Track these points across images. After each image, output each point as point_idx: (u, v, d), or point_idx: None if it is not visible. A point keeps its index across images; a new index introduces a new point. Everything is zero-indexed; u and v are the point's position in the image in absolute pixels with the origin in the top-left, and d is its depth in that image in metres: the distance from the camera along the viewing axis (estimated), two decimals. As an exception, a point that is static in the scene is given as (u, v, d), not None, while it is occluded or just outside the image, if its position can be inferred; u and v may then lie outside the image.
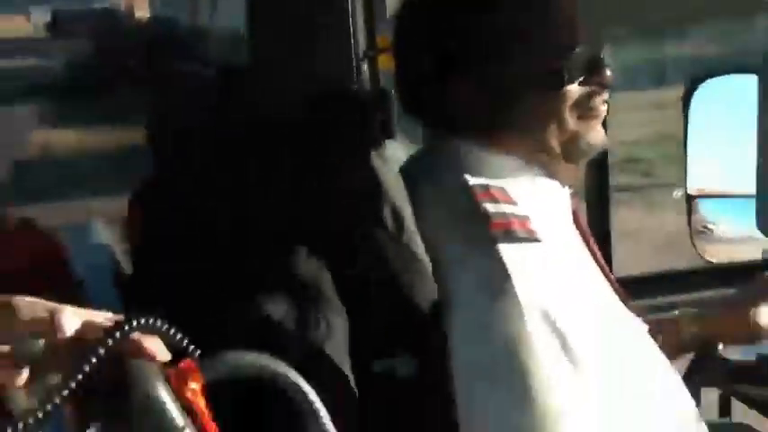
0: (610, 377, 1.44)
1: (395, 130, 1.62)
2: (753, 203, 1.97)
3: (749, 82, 2.01)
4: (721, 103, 2.19)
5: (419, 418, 1.43)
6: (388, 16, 2.14)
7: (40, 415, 1.05)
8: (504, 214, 1.43)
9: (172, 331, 1.13)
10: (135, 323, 1.09)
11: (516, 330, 1.37)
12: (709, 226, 2.23)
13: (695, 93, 2.19)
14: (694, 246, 2.23)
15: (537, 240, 1.43)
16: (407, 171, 1.53)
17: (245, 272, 1.39)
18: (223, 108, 1.58)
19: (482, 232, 1.42)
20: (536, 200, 1.49)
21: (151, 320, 1.10)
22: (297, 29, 1.76)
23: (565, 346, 1.38)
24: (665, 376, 1.59)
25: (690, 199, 2.22)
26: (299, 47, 1.73)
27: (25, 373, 1.09)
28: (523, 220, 1.44)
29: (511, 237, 1.41)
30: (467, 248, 1.43)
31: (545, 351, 1.37)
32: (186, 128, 1.58)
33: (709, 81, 2.23)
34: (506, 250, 1.39)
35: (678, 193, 2.22)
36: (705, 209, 2.24)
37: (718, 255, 2.31)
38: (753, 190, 1.97)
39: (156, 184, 1.57)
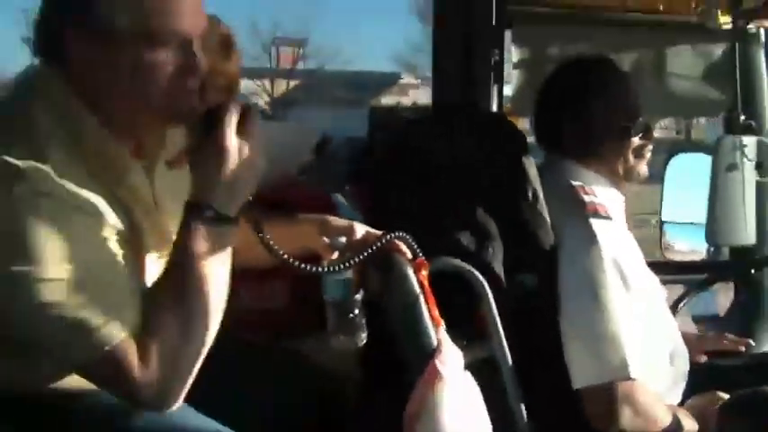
0: (647, 307, 1.89)
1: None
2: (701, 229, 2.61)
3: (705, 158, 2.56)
4: (687, 169, 2.75)
5: (538, 314, 1.86)
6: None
7: (339, 267, 1.50)
8: (592, 202, 1.90)
9: (412, 242, 1.57)
10: (394, 234, 1.55)
11: (597, 267, 1.82)
12: (671, 242, 2.87)
13: (670, 161, 2.78)
14: (662, 250, 2.78)
15: (611, 219, 1.90)
16: (539, 171, 1.95)
17: (454, 220, 1.84)
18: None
19: (580, 211, 1.89)
20: (608, 198, 1.96)
21: (402, 234, 1.57)
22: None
23: (624, 280, 1.83)
24: (671, 321, 2.06)
25: (661, 224, 2.80)
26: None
27: (335, 255, 1.59)
28: (603, 206, 1.91)
29: (597, 215, 1.88)
30: (571, 220, 1.88)
31: (613, 282, 1.81)
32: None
33: (679, 155, 2.84)
34: (594, 222, 1.86)
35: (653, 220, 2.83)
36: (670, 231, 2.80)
37: (674, 257, 2.84)
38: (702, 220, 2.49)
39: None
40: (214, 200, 1.31)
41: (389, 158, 2.02)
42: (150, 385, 1.27)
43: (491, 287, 1.70)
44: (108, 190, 1.35)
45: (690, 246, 2.75)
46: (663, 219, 2.74)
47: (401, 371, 1.54)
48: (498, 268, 1.82)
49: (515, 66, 2.67)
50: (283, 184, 2.17)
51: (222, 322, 1.37)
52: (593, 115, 1.97)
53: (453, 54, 2.38)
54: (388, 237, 1.57)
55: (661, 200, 2.71)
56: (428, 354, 1.50)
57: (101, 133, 1.36)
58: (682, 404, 1.98)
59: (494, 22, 2.42)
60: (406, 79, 36.53)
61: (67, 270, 1.24)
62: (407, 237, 1.58)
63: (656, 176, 2.60)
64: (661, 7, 2.65)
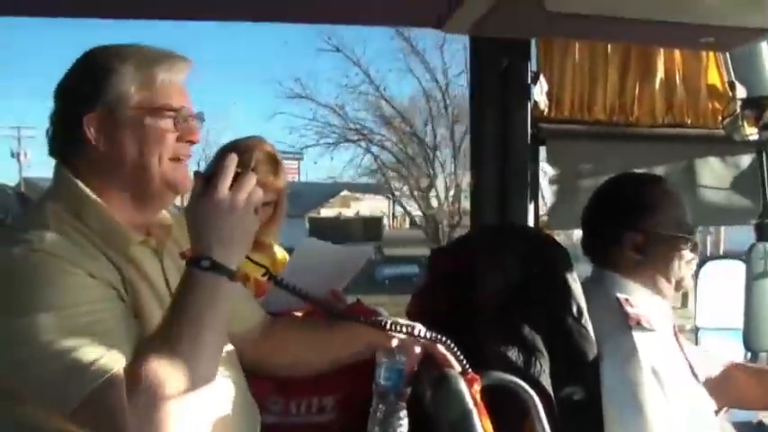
0: (687, 415, 1.90)
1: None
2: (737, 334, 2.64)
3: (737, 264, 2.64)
4: (719, 275, 2.77)
5: (586, 427, 1.87)
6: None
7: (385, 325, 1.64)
8: (636, 314, 1.95)
9: (460, 354, 1.65)
10: (445, 340, 1.64)
11: (638, 378, 1.87)
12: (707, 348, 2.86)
13: (703, 267, 2.78)
14: None
15: (653, 330, 1.95)
16: (585, 283, 2.02)
17: (502, 335, 1.89)
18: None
19: (623, 323, 1.94)
20: (653, 308, 2.01)
21: (451, 345, 1.65)
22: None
23: (664, 391, 1.86)
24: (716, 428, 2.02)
25: (696, 330, 2.82)
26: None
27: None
28: (646, 317, 1.96)
29: (639, 327, 1.93)
30: (614, 331, 1.93)
31: (652, 392, 1.85)
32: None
33: (711, 262, 2.86)
34: (636, 335, 1.92)
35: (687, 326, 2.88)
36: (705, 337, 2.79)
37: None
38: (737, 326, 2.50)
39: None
40: (211, 251, 1.38)
41: (439, 275, 2.08)
42: (136, 424, 1.28)
43: (540, 401, 1.74)
44: (113, 264, 1.46)
45: (726, 352, 2.76)
46: (698, 325, 2.77)
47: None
48: (546, 382, 1.86)
49: (550, 181, 2.74)
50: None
51: None
52: (646, 230, 2.05)
53: (491, 170, 2.47)
54: (440, 338, 1.67)
55: (695, 306, 2.75)
56: (482, 466, 1.51)
57: (108, 215, 1.50)
58: None
59: (528, 140, 2.51)
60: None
61: (60, 318, 1.31)
62: (455, 349, 1.66)
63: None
64: (689, 121, 2.74)
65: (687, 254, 2.07)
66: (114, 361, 1.31)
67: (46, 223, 1.43)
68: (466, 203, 21.20)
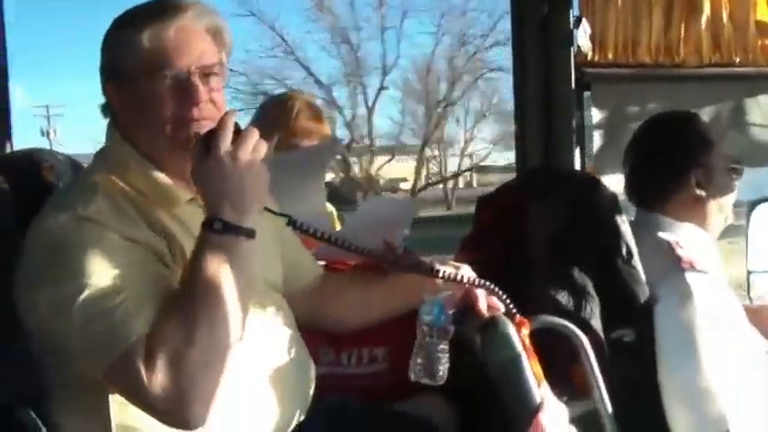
0: (742, 359, 1.90)
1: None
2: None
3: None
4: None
5: (636, 369, 1.87)
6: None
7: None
8: (688, 256, 1.94)
9: (507, 299, 1.64)
10: (493, 285, 1.62)
11: (693, 322, 1.85)
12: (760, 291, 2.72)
13: (754, 211, 2.72)
14: (750, 300, 2.69)
15: (706, 272, 1.93)
16: (635, 224, 2.01)
17: (552, 279, 1.88)
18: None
19: (676, 266, 1.92)
20: (703, 248, 2.01)
21: (498, 290, 1.63)
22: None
23: (720, 335, 1.85)
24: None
25: (748, 274, 2.74)
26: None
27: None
28: (699, 260, 1.94)
29: (692, 269, 1.91)
30: (667, 275, 1.92)
31: (709, 337, 1.84)
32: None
33: (763, 204, 2.75)
34: (690, 277, 1.90)
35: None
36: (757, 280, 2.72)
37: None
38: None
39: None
40: (222, 212, 1.38)
41: (487, 222, 2.07)
42: (160, 390, 1.28)
43: (590, 344, 1.73)
44: (159, 228, 1.47)
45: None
46: (749, 269, 2.71)
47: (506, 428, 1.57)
48: (597, 325, 1.85)
49: (596, 126, 2.70)
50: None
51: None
52: (708, 164, 2.06)
53: (535, 117, 2.46)
54: (487, 283, 1.65)
55: (746, 249, 2.69)
56: (532, 410, 1.54)
57: (153, 176, 1.51)
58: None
59: (573, 85, 2.49)
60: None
61: (99, 279, 1.33)
62: (503, 294, 1.64)
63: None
64: (737, 60, 2.68)
65: (735, 185, 2.10)
66: (141, 325, 1.31)
67: (94, 189, 1.45)
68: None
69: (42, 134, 32.32)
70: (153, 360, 1.28)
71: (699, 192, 2.05)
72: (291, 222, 1.52)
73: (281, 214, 1.53)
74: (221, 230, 1.37)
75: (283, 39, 23.16)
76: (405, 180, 31.94)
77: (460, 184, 33.16)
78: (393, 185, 31.60)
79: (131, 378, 1.29)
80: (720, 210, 2.08)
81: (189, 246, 1.45)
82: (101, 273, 1.34)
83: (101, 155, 1.56)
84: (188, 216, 1.51)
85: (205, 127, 1.46)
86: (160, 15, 1.49)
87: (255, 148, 1.42)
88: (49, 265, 1.36)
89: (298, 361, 1.67)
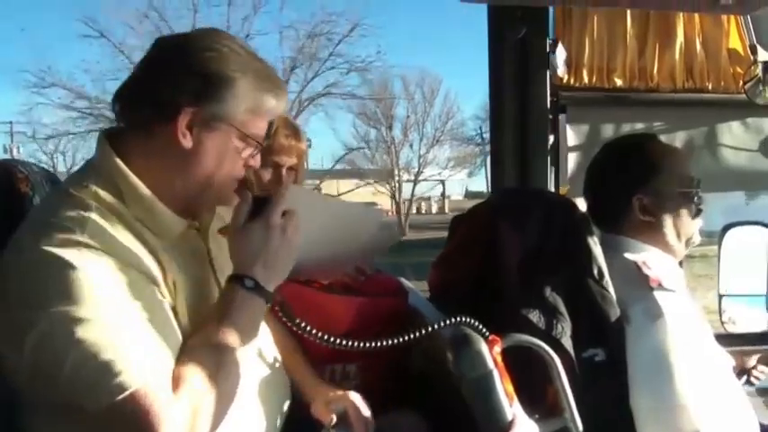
0: (716, 376, 1.90)
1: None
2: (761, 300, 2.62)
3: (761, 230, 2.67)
4: (742, 241, 2.74)
5: (608, 388, 1.85)
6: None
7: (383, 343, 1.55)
8: (655, 275, 1.94)
9: (478, 325, 1.62)
10: (459, 319, 1.61)
11: (665, 340, 1.84)
12: (731, 315, 2.80)
13: (726, 234, 2.76)
14: (722, 323, 2.75)
15: (674, 291, 1.93)
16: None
17: (525, 298, 1.87)
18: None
19: (644, 286, 1.92)
20: (668, 269, 2.01)
21: (466, 318, 1.61)
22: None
23: (692, 351, 1.85)
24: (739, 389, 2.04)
25: (720, 297, 2.77)
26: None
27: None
28: (666, 278, 1.94)
29: (661, 288, 1.92)
30: (636, 295, 1.91)
31: (681, 353, 1.83)
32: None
33: (734, 228, 2.80)
34: (659, 295, 1.90)
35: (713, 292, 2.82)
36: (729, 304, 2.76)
37: (735, 330, 2.79)
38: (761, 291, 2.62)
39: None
40: (256, 273, 1.43)
41: (459, 238, 2.08)
42: (175, 423, 1.27)
43: (562, 362, 1.73)
44: (155, 255, 1.43)
45: (751, 317, 2.75)
46: (721, 292, 2.75)
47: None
48: (568, 344, 1.85)
49: (571, 148, 2.71)
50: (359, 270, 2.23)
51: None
52: (653, 190, 2.06)
53: (511, 139, 2.47)
54: (454, 320, 1.63)
55: (718, 273, 2.73)
56: (503, 427, 1.55)
57: (152, 202, 1.48)
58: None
59: (548, 107, 2.50)
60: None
61: (101, 311, 1.28)
62: (472, 320, 1.64)
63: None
64: (710, 86, 2.72)
65: (694, 209, 2.08)
66: (141, 373, 1.28)
67: (87, 207, 1.39)
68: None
69: (5, 151, 32.00)
70: (178, 396, 1.29)
71: (644, 217, 2.06)
72: (278, 303, 1.54)
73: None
74: (252, 288, 1.43)
75: (130, 60, 22.85)
76: (375, 205, 32.14)
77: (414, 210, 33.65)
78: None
79: (151, 411, 1.26)
80: (679, 234, 2.08)
81: (179, 279, 1.46)
82: (106, 303, 1.31)
83: (92, 169, 1.49)
84: (178, 249, 1.50)
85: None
86: (279, 87, 1.55)
87: (297, 224, 1.48)
88: (46, 287, 1.30)
89: (276, 376, 1.72)
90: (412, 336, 1.59)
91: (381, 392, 2.10)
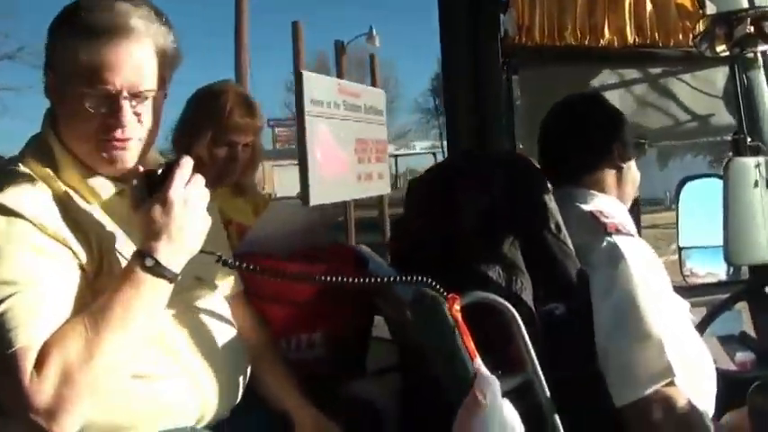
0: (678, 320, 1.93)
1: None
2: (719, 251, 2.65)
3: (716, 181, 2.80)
4: (699, 194, 2.83)
5: (569, 343, 1.87)
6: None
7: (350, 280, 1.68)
8: (612, 222, 1.98)
9: (434, 283, 1.64)
10: (415, 278, 1.65)
11: (629, 281, 1.85)
12: (691, 266, 2.93)
13: (683, 188, 2.85)
14: (682, 276, 2.84)
15: (632, 234, 1.97)
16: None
17: (482, 255, 1.88)
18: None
19: (602, 232, 1.95)
20: (623, 215, 2.06)
21: (423, 278, 1.64)
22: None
23: (656, 291, 1.87)
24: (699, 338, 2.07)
25: (680, 249, 2.87)
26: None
27: None
28: (623, 224, 1.99)
29: (619, 233, 1.95)
30: (595, 242, 1.94)
31: (646, 293, 1.85)
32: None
33: (691, 181, 2.88)
34: (618, 239, 1.92)
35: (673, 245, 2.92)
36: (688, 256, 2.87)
37: (695, 281, 2.91)
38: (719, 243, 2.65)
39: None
40: (158, 251, 1.42)
41: (416, 201, 2.08)
42: (40, 394, 1.30)
43: (522, 318, 1.74)
44: (81, 213, 1.49)
45: (710, 269, 2.79)
46: (681, 245, 2.78)
47: (442, 407, 1.59)
48: (528, 299, 1.85)
49: (524, 108, 2.72)
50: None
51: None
52: (625, 137, 2.16)
53: (464, 103, 2.47)
54: (410, 278, 1.67)
55: (677, 226, 2.76)
56: (466, 384, 1.56)
57: (71, 160, 1.52)
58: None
59: (501, 69, 2.49)
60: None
61: (7, 273, 1.35)
62: (428, 279, 1.66)
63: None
64: (660, 41, 2.73)
65: (632, 162, 2.19)
66: (19, 336, 1.32)
67: (19, 177, 1.47)
68: None
69: None
70: (46, 366, 1.31)
71: (620, 163, 2.14)
72: (221, 260, 1.59)
73: (211, 253, 1.57)
74: (152, 268, 1.41)
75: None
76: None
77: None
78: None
79: (16, 378, 1.30)
80: (633, 182, 2.17)
81: (111, 241, 1.51)
82: (9, 265, 1.36)
83: (32, 142, 1.57)
84: (113, 209, 1.55)
85: (131, 148, 1.52)
86: (104, 31, 1.48)
87: (200, 192, 1.47)
88: None
89: (232, 342, 1.73)
90: (371, 280, 1.69)
91: (347, 360, 2.11)
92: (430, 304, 1.61)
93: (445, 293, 1.64)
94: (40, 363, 1.30)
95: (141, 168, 1.51)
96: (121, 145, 1.50)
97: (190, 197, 1.44)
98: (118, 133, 1.49)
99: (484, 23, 2.51)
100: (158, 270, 1.40)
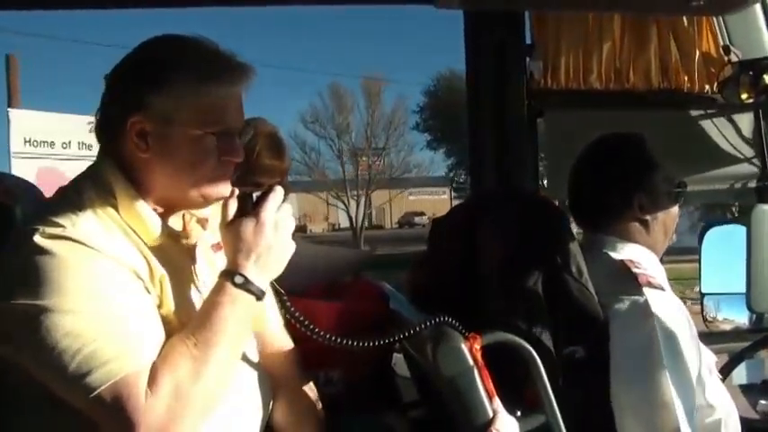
0: (700, 375, 1.92)
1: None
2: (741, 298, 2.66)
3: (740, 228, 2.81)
4: (722, 240, 2.78)
5: (587, 385, 1.88)
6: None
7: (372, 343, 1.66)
8: (643, 274, 1.97)
9: (456, 324, 1.67)
10: (438, 318, 1.67)
11: (652, 337, 1.86)
12: (713, 313, 2.85)
13: (706, 234, 2.80)
14: (704, 322, 2.78)
15: (663, 289, 1.96)
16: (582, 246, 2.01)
17: (503, 296, 1.90)
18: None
19: (632, 284, 1.94)
20: (654, 267, 2.04)
21: (445, 318, 1.67)
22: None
23: (678, 350, 1.87)
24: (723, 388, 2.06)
25: (702, 296, 2.83)
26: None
27: None
28: (654, 277, 1.98)
29: (650, 285, 1.94)
30: (623, 293, 1.93)
31: (666, 352, 1.85)
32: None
33: (714, 228, 2.86)
34: (648, 292, 1.92)
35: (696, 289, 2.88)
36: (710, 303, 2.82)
37: (717, 327, 2.85)
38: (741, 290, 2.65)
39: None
40: (246, 269, 1.45)
41: (439, 243, 2.10)
42: (154, 411, 1.32)
43: (541, 359, 1.75)
44: (142, 255, 1.49)
45: (732, 316, 2.78)
46: (703, 291, 2.78)
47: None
48: (547, 341, 1.87)
49: (548, 150, 2.74)
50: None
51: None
52: (654, 187, 2.10)
53: (489, 143, 2.51)
54: (434, 321, 1.68)
55: (699, 272, 2.76)
56: (484, 424, 1.58)
57: (140, 208, 1.52)
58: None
59: (525, 111, 2.52)
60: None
61: (85, 304, 1.35)
62: (450, 319, 1.68)
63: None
64: (685, 87, 2.75)
65: (677, 209, 2.14)
66: (126, 363, 1.34)
67: (83, 208, 1.46)
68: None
69: None
70: (158, 387, 1.33)
71: (643, 216, 2.09)
72: (281, 297, 1.65)
73: (281, 291, 1.64)
74: (242, 285, 1.45)
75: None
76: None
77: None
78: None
79: (130, 400, 1.31)
80: (665, 232, 2.12)
81: (168, 280, 1.51)
82: (92, 298, 1.37)
83: (90, 174, 1.56)
84: (170, 250, 1.56)
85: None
86: (232, 70, 1.53)
87: (291, 220, 1.52)
88: (36, 280, 1.37)
89: (260, 378, 1.73)
90: (395, 338, 1.68)
91: (364, 397, 2.12)
92: (450, 343, 1.63)
93: (465, 332, 1.66)
94: (151, 383, 1.33)
95: (237, 191, 1.55)
96: (227, 182, 1.57)
97: (280, 221, 1.49)
98: (231, 171, 1.57)
99: (510, 66, 2.55)
100: (247, 286, 1.44)
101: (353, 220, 30.92)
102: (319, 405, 1.87)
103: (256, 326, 1.74)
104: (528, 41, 2.67)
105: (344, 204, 30.81)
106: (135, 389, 1.32)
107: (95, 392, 1.32)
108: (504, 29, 2.55)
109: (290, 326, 1.82)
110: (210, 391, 1.40)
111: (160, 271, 1.50)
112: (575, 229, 2.11)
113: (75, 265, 1.37)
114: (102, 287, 1.38)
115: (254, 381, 1.69)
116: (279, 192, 1.52)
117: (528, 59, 2.63)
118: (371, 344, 1.64)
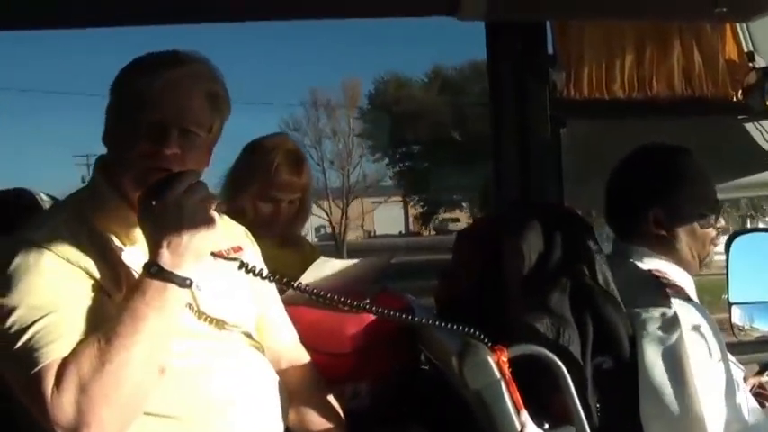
0: (727, 387, 1.93)
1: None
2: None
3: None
4: (750, 249, 2.77)
5: (616, 396, 1.90)
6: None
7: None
8: (671, 284, 2.00)
9: (481, 335, 1.69)
10: (464, 329, 1.69)
11: (681, 348, 1.87)
12: (741, 323, 2.80)
13: (732, 243, 2.77)
14: (732, 331, 2.76)
15: (691, 300, 1.99)
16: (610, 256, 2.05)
17: (530, 308, 1.92)
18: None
19: (660, 294, 1.96)
20: (683, 281, 2.06)
21: (470, 329, 1.69)
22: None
23: (706, 361, 1.89)
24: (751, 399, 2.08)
25: (730, 305, 2.79)
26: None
27: None
28: (683, 289, 2.00)
29: (678, 296, 1.96)
30: (652, 300, 1.95)
31: (695, 363, 1.87)
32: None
33: (740, 237, 2.83)
34: (676, 303, 1.94)
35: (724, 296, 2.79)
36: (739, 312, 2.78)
37: (745, 337, 2.80)
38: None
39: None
40: (160, 256, 1.47)
41: (465, 251, 2.11)
42: (60, 408, 1.37)
43: (569, 371, 1.76)
44: (116, 254, 1.58)
45: (760, 325, 2.77)
46: (731, 300, 2.77)
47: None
48: (575, 352, 1.88)
49: (572, 161, 2.75)
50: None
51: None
52: (670, 205, 2.09)
53: (511, 154, 2.52)
54: (458, 328, 1.71)
55: (727, 282, 2.74)
56: (513, 436, 1.55)
57: (115, 201, 1.62)
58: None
59: (549, 121, 2.55)
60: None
61: (31, 302, 1.45)
62: (476, 331, 1.70)
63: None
64: (709, 94, 2.74)
65: (711, 231, 2.11)
66: (58, 349, 1.41)
67: (55, 217, 1.61)
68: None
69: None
70: (63, 380, 1.38)
71: (658, 231, 2.09)
72: (242, 265, 1.64)
73: (231, 259, 1.66)
74: (156, 274, 1.47)
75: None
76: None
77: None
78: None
79: (40, 396, 1.38)
80: (691, 252, 2.11)
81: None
82: (34, 293, 1.45)
83: (85, 187, 1.71)
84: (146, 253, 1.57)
85: None
86: (159, 65, 1.61)
87: (202, 198, 1.52)
88: (5, 279, 1.48)
89: (271, 391, 1.75)
90: (419, 319, 1.79)
91: (391, 411, 2.13)
92: (477, 356, 1.65)
93: (492, 345, 1.67)
94: (58, 379, 1.38)
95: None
96: (161, 174, 1.57)
97: (185, 203, 1.48)
98: (161, 163, 1.57)
99: (532, 76, 2.55)
100: (162, 275, 1.46)
101: (335, 228, 30.94)
102: (342, 418, 1.88)
103: (262, 338, 1.80)
104: (550, 51, 2.64)
105: (326, 212, 30.79)
106: (44, 384, 1.38)
107: (26, 384, 1.42)
108: (526, 39, 2.55)
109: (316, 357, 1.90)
110: (114, 383, 1.40)
111: (133, 274, 1.55)
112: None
113: (33, 268, 1.48)
114: (38, 281, 1.47)
115: (262, 394, 1.72)
116: (186, 174, 1.53)
117: (550, 69, 2.63)
118: (392, 313, 1.73)
